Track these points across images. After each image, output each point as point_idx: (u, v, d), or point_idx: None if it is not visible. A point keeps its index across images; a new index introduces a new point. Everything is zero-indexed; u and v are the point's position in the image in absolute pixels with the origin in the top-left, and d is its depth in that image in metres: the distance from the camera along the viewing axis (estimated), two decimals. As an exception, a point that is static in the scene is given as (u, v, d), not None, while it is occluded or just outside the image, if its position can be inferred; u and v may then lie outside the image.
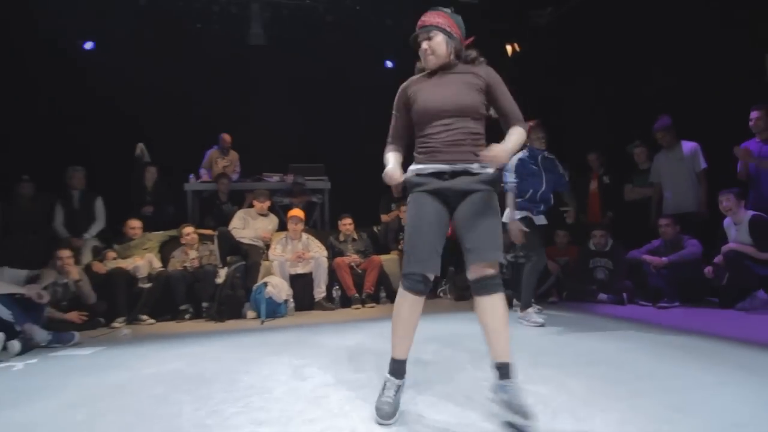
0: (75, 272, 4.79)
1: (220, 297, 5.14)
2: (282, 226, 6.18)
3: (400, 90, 2.27)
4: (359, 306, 5.48)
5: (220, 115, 7.33)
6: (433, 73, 2.18)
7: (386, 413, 1.90)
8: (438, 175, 2.07)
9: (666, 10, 5.56)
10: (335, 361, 2.96)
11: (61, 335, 3.97)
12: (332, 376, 2.63)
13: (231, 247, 5.79)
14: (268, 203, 6.21)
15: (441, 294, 6.02)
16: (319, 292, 5.54)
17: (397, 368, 2.06)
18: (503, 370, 1.95)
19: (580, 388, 2.24)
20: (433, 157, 2.09)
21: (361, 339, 3.62)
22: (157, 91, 7.16)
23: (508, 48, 7.82)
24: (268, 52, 7.22)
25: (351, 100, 7.76)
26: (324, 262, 5.60)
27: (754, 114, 4.57)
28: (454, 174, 2.06)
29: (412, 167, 2.16)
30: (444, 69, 2.16)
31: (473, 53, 2.21)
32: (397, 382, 2.04)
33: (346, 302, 5.58)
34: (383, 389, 2.02)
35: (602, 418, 1.87)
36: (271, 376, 2.68)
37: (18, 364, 3.29)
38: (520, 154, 4.17)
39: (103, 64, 7.00)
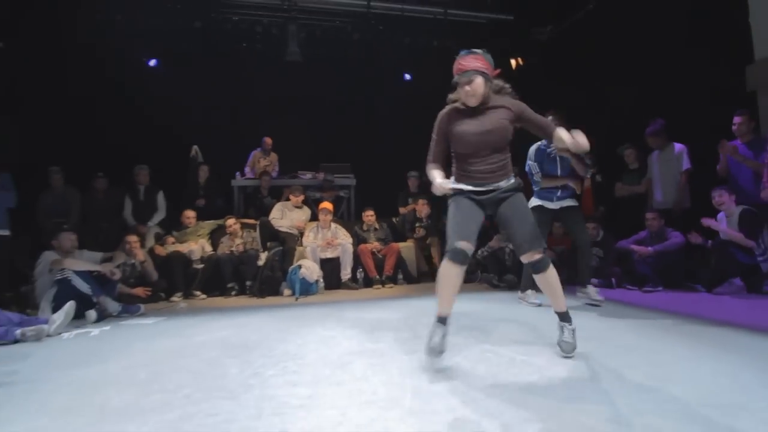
0: (141, 254, 4.89)
1: (261, 277, 5.20)
2: (314, 217, 6.21)
3: (440, 118, 2.35)
4: (380, 286, 5.48)
5: (261, 122, 7.39)
6: (470, 107, 2.28)
7: (437, 351, 2.12)
8: (475, 192, 2.30)
9: (655, 25, 5.38)
10: (359, 332, 2.97)
11: (129, 307, 4.08)
12: (356, 346, 2.64)
13: (270, 235, 5.85)
14: (302, 197, 6.25)
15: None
16: (345, 273, 5.56)
17: (442, 321, 2.19)
18: (561, 317, 2.35)
19: (572, 360, 2.20)
20: (472, 181, 2.30)
21: (381, 314, 3.62)
22: (209, 101, 7.25)
23: (512, 62, 7.68)
24: (303, 67, 7.22)
25: (374, 108, 7.75)
26: (349, 248, 5.62)
27: (737, 119, 4.42)
28: (487, 192, 2.30)
29: (453, 183, 2.34)
30: (480, 104, 2.27)
31: (500, 83, 2.32)
32: (443, 327, 2.17)
33: (368, 283, 5.59)
34: (431, 335, 2.15)
35: (592, 387, 1.83)
36: (304, 344, 2.70)
37: (94, 330, 3.40)
38: (539, 143, 3.96)
39: (164, 79, 7.12)
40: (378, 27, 7.16)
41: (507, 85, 2.33)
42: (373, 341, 2.72)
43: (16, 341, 2.95)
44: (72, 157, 5.93)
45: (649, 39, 5.50)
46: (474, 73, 2.19)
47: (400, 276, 5.75)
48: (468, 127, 2.25)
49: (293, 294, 4.97)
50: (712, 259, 4.27)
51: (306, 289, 5.03)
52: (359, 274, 5.64)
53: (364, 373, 2.11)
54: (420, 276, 5.99)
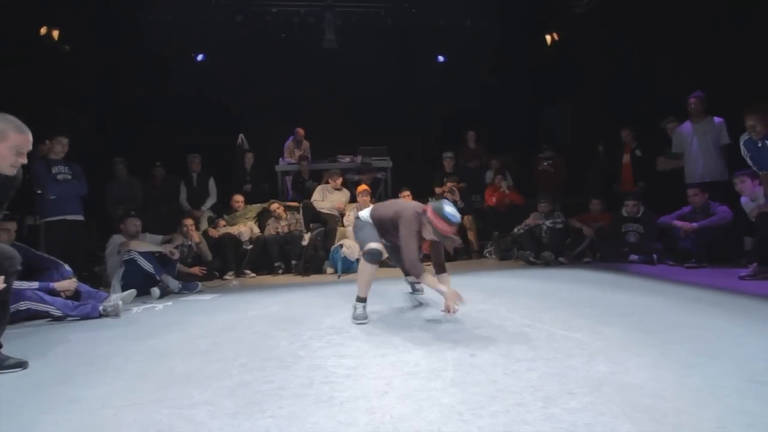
0: (196, 236, 5.07)
1: (305, 256, 5.29)
2: (353, 199, 6.22)
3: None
4: (417, 264, 5.46)
5: (301, 108, 7.44)
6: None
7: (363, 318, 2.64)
8: None
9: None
10: (398, 308, 2.99)
11: (188, 284, 4.25)
12: (397, 320, 2.66)
13: (313, 216, 5.92)
14: (340, 180, 6.28)
15: (487, 254, 5.89)
16: (385, 253, 5.55)
17: (363, 300, 2.74)
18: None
19: (614, 335, 2.12)
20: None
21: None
22: (252, 91, 7.35)
23: (548, 38, 7.29)
24: (339, 54, 7.17)
25: (408, 90, 7.62)
26: (388, 228, 5.61)
27: None
28: None
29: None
30: None
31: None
32: (364, 304, 2.72)
33: (406, 261, 5.58)
34: (355, 310, 2.69)
35: (636, 361, 1.76)
36: (348, 319, 2.73)
37: (158, 305, 3.59)
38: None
39: (211, 72, 7.28)
40: (411, 10, 6.98)
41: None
42: (413, 316, 2.73)
43: (100, 316, 3.16)
44: (133, 149, 6.20)
45: (690, 10, 5.06)
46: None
47: (436, 254, 5.71)
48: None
49: (335, 272, 5.04)
50: (756, 235, 3.94)
51: (347, 267, 5.08)
52: (398, 253, 5.63)
53: (406, 346, 2.12)
54: (456, 253, 5.92)
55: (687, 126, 4.82)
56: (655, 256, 4.55)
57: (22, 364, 2.08)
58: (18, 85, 5.36)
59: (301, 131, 7.26)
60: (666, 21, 5.41)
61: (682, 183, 4.81)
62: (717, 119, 4.65)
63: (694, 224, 4.30)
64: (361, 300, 2.72)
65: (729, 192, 4.43)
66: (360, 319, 2.63)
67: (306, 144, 7.35)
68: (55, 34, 6.09)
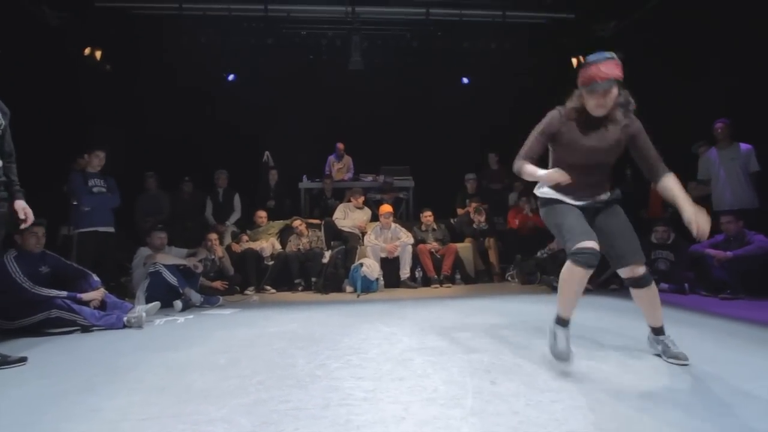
0: (220, 251, 5.16)
1: (325, 274, 5.30)
2: (374, 218, 6.25)
3: (553, 118, 2.08)
4: (438, 285, 5.40)
5: (326, 128, 7.58)
6: (587, 115, 2.01)
7: (566, 356, 1.98)
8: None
9: (727, 17, 4.84)
10: (418, 330, 2.93)
11: (210, 298, 4.31)
12: (416, 343, 2.61)
13: (334, 234, 5.96)
14: (362, 198, 6.32)
15: (509, 278, 5.78)
16: (404, 273, 5.53)
17: (564, 323, 2.07)
18: (658, 331, 2.19)
19: (644, 368, 2.02)
20: (571, 192, 2.11)
21: (440, 313, 3.56)
22: (279, 110, 7.55)
23: (574, 61, 7.26)
24: (365, 75, 7.30)
25: (432, 111, 7.68)
26: (409, 248, 5.59)
27: None
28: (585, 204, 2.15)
29: (550, 191, 2.16)
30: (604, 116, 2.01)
31: (628, 98, 2.03)
32: (565, 330, 2.05)
33: (426, 282, 5.53)
34: (556, 339, 2.02)
35: (667, 397, 1.67)
36: (366, 340, 2.71)
37: (180, 318, 3.64)
38: None
39: (241, 92, 7.52)
40: (436, 33, 7.08)
41: (632, 101, 2.03)
42: (433, 339, 2.68)
43: (124, 327, 3.22)
44: (163, 164, 6.41)
45: (719, 32, 4.98)
46: (613, 83, 1.92)
47: (458, 276, 5.63)
48: (581, 137, 2.02)
49: (355, 291, 5.02)
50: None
51: (367, 286, 5.07)
52: (418, 273, 5.60)
53: (425, 370, 2.07)
54: (477, 276, 5.84)
55: (713, 152, 4.72)
56: (686, 285, 4.37)
57: (23, 360, 2.35)
58: (61, 102, 5.66)
59: (341, 146, 7.43)
60: (693, 45, 5.32)
61: (712, 210, 4.66)
62: (744, 146, 4.57)
63: (729, 253, 4.13)
64: (563, 322, 2.04)
65: (761, 220, 4.26)
66: (562, 356, 1.97)
67: (348, 158, 7.46)
68: (98, 54, 6.43)
